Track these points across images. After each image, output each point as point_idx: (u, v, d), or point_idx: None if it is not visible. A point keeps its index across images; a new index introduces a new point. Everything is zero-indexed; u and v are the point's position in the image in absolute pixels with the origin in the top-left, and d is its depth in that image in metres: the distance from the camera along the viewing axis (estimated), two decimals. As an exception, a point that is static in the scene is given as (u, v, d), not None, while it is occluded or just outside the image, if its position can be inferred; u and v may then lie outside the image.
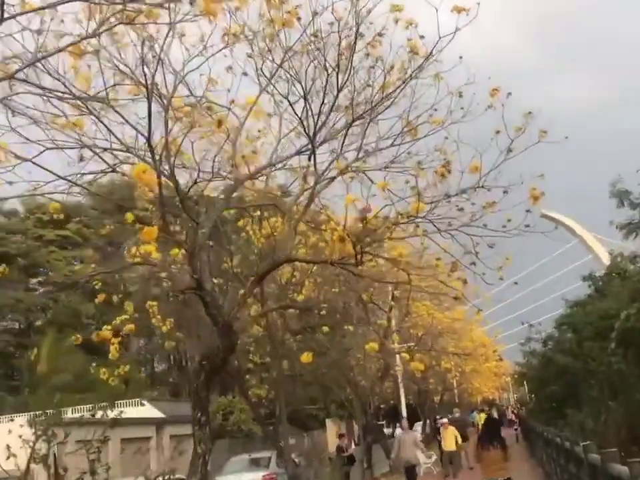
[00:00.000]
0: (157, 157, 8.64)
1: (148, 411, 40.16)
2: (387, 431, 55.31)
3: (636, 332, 13.92)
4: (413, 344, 25.39)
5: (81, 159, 8.89)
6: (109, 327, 14.08)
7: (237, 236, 17.32)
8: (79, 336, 13.41)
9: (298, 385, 33.95)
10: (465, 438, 28.35)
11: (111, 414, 11.57)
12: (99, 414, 11.37)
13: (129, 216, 9.16)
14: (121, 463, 26.84)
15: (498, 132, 10.02)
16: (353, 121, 10.10)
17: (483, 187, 10.16)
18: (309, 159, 10.45)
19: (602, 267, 37.01)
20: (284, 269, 18.52)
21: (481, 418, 41.47)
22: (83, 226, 56.08)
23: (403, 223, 9.92)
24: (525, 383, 47.77)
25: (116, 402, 37.35)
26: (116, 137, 9.56)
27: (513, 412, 59.44)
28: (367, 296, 20.85)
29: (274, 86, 10.70)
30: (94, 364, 17.95)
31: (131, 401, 40.36)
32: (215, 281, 18.81)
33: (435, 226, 10.19)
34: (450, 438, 26.56)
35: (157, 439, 39.08)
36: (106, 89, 8.16)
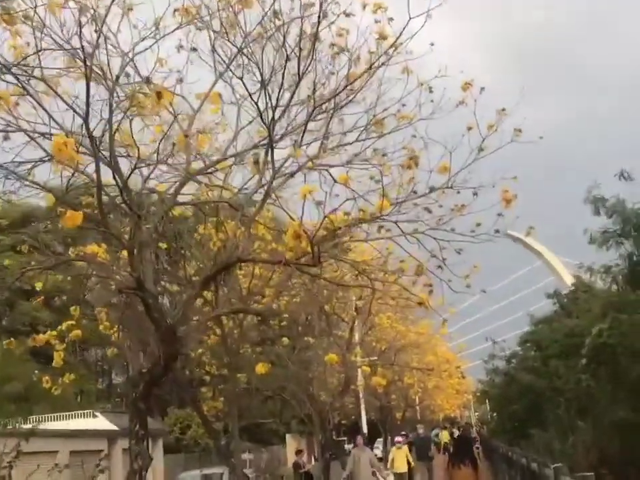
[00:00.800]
0: (96, 141, 7.78)
1: (101, 423, 38.76)
2: (348, 447, 54.61)
3: (608, 348, 13.35)
4: (375, 358, 24.70)
5: (6, 138, 7.98)
6: (54, 333, 13.29)
7: (193, 240, 16.40)
8: (12, 339, 12.46)
9: (256, 399, 32.99)
10: (430, 457, 27.66)
11: (27, 426, 10.57)
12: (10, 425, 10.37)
13: (49, 198, 8.27)
14: (70, 476, 25.65)
15: (470, 128, 9.39)
16: (314, 109, 9.32)
17: (451, 187, 9.49)
18: (266, 153, 9.65)
19: (565, 287, 36.95)
20: (244, 277, 17.60)
21: (444, 436, 40.79)
22: (42, 231, 54.63)
23: (365, 222, 9.17)
24: (487, 401, 47.43)
25: (67, 413, 36.03)
26: (54, 120, 8.64)
27: (476, 430, 59.20)
28: (330, 307, 20.09)
29: (233, 72, 9.89)
30: (36, 371, 17.02)
31: (83, 412, 39.15)
32: (171, 287, 17.99)
33: (399, 228, 9.47)
34: (402, 458, 25.55)
35: (109, 452, 37.72)
36: (37, 52, 7.25)
